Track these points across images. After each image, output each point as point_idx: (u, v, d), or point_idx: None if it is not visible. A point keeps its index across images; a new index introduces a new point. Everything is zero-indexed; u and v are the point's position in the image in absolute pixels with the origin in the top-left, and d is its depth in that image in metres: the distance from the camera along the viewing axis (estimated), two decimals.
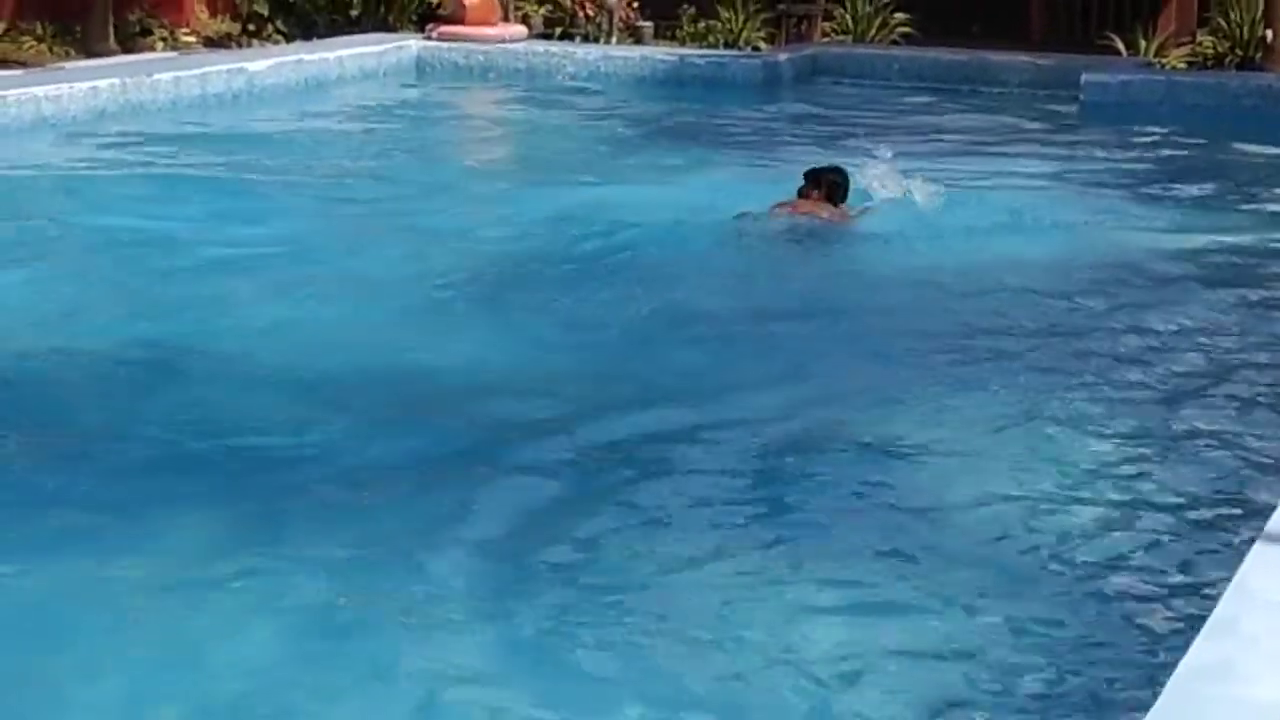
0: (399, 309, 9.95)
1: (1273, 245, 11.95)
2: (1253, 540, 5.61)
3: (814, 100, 18.58)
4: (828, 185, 12.03)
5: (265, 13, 21.21)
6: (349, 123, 16.65)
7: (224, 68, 17.34)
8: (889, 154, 12.86)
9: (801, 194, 12.04)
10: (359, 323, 9.68)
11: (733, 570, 6.41)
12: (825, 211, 11.92)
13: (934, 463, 7.58)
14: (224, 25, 20.81)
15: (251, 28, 21.02)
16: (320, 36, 20.45)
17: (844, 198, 12.11)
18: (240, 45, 20.23)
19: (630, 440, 7.82)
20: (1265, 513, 5.97)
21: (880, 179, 12.42)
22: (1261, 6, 20.26)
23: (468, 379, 8.73)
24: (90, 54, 18.18)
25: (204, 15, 20.80)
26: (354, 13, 21.59)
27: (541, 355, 9.21)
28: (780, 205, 11.95)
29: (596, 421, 7.99)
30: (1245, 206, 13.42)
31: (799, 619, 6.04)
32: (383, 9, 21.76)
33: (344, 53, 18.83)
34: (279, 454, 7.55)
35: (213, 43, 20.25)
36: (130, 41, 19.21)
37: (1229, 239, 12.04)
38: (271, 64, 17.83)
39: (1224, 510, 7.10)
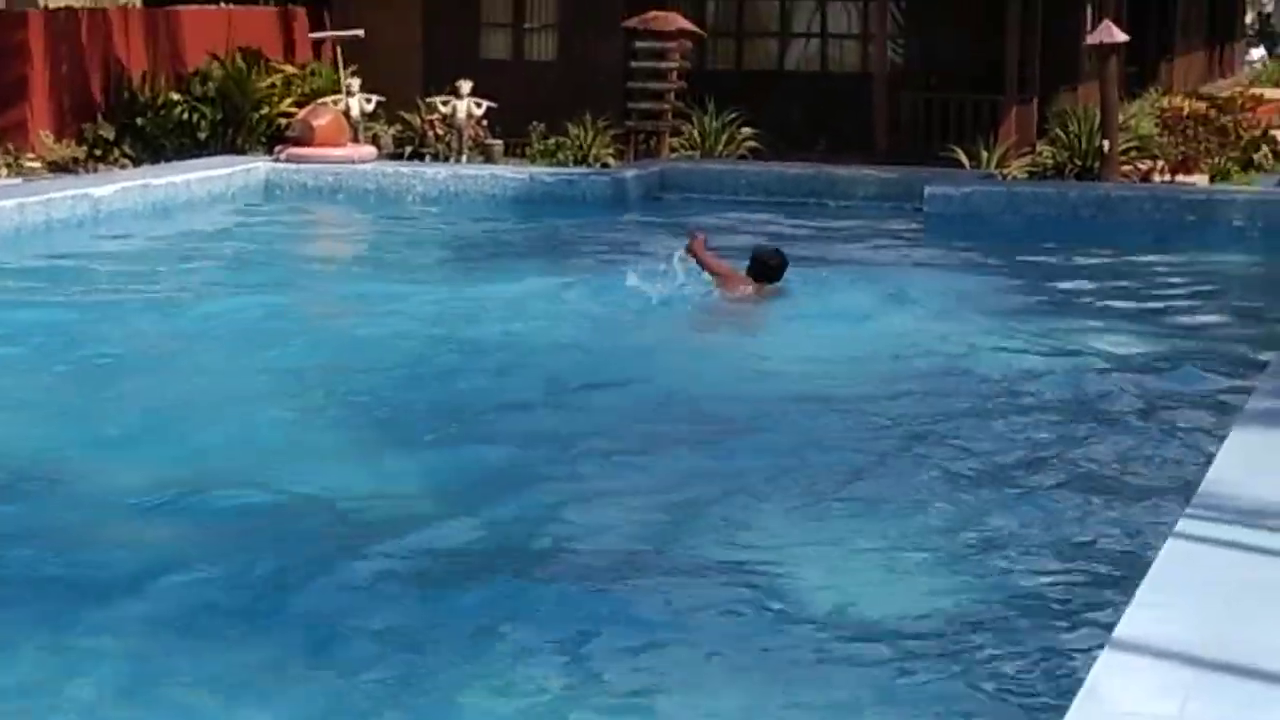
0: (245, 425, 9.89)
1: (1106, 349, 12.16)
2: (1102, 645, 5.66)
3: (662, 214, 18.71)
4: (759, 266, 13.48)
5: (111, 137, 21.10)
6: (197, 245, 16.54)
7: (69, 193, 17.16)
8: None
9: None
10: (210, 439, 9.59)
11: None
12: (744, 287, 13.34)
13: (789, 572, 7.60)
14: (69, 150, 20.67)
15: (98, 152, 20.91)
16: (168, 160, 20.35)
17: (773, 278, 13.48)
18: (86, 170, 20.09)
19: (473, 548, 7.81)
20: (1114, 616, 6.02)
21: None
22: (1098, 118, 20.72)
23: (321, 489, 8.67)
24: None
25: (49, 139, 20.65)
26: (202, 135, 21.54)
27: (389, 458, 9.19)
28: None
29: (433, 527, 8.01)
30: (1081, 311, 13.64)
31: None
32: (230, 132, 21.72)
33: (191, 176, 18.72)
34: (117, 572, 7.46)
35: (58, 167, 20.10)
36: None
37: (1065, 344, 12.25)
38: (117, 189, 17.68)
39: (1073, 611, 7.16)
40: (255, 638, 6.86)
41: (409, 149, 22.06)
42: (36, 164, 20.09)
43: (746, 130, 22.41)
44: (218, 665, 6.54)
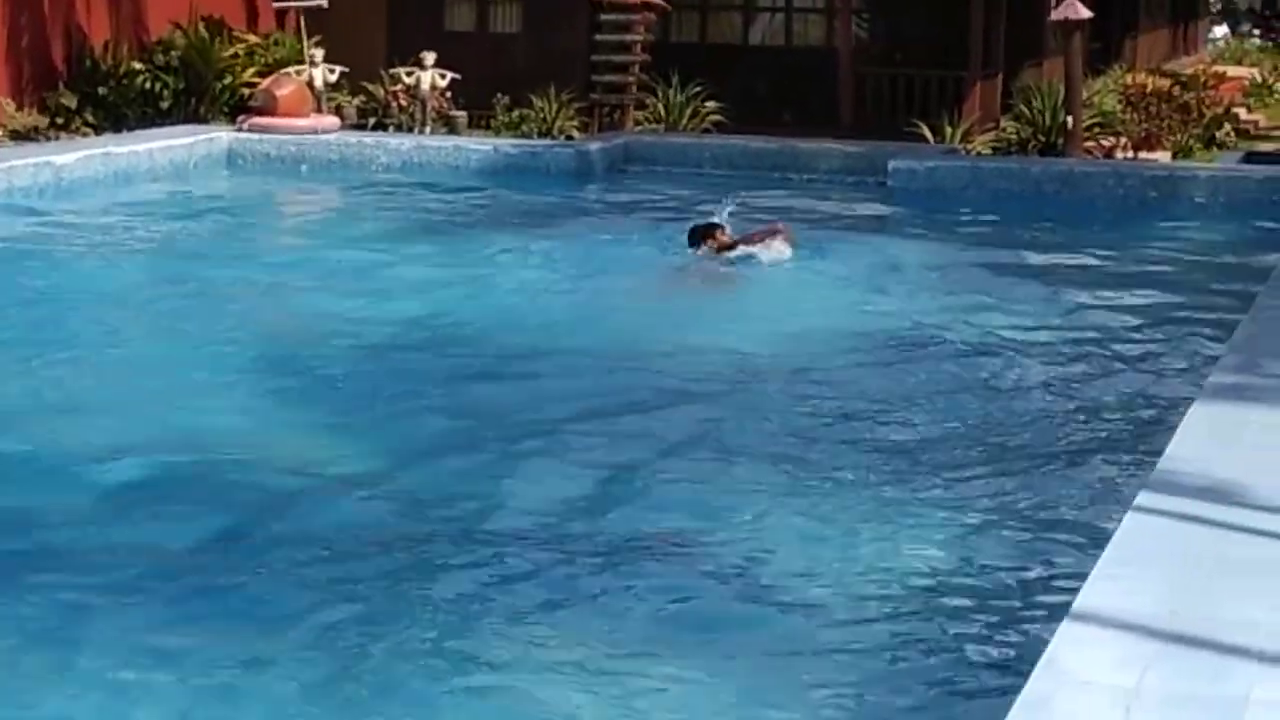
0: (207, 397, 9.86)
1: (1066, 323, 12.21)
2: (1061, 618, 5.69)
3: (626, 187, 18.71)
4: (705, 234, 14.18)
5: (73, 105, 20.97)
6: (157, 214, 16.47)
7: (30, 161, 17.07)
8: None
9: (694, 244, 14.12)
10: (175, 406, 9.56)
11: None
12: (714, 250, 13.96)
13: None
14: (31, 118, 20.53)
15: (60, 121, 20.78)
16: (130, 129, 20.24)
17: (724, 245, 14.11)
18: (48, 139, 19.98)
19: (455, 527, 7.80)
20: (1073, 588, 6.05)
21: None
22: (1062, 94, 20.76)
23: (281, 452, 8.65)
24: None
25: (10, 108, 20.52)
26: (164, 104, 21.42)
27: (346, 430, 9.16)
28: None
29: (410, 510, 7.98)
30: (1042, 286, 13.67)
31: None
32: (193, 101, 21.61)
33: (153, 145, 18.63)
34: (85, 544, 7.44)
35: (20, 136, 19.97)
36: None
37: (1025, 318, 12.28)
38: (79, 157, 17.59)
39: (1032, 582, 7.19)
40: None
41: (372, 120, 21.99)
42: None
43: (711, 104, 22.40)
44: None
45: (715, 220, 14.48)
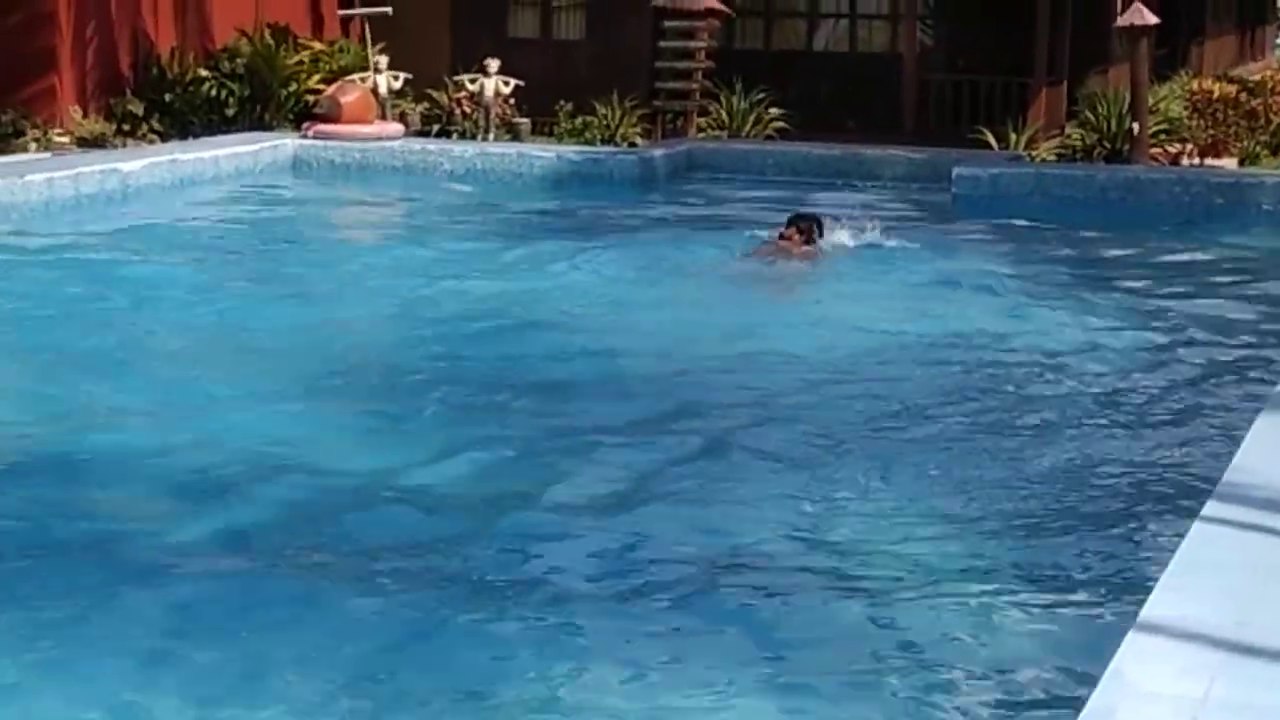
0: (277, 401, 9.90)
1: (1133, 333, 12.13)
2: (1127, 629, 5.65)
3: (689, 194, 18.71)
4: (804, 227, 14.57)
5: (139, 112, 21.13)
6: (223, 222, 16.57)
7: (98, 168, 17.20)
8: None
9: (782, 236, 14.49)
10: (245, 414, 9.61)
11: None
12: (798, 250, 14.25)
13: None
14: (98, 125, 20.70)
15: (126, 127, 20.94)
16: (196, 136, 20.38)
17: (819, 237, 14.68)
18: (115, 145, 20.12)
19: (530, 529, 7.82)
20: (1140, 599, 6.01)
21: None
22: (1127, 100, 20.66)
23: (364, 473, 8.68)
24: None
25: (78, 115, 20.69)
26: (230, 111, 21.55)
27: (429, 449, 9.18)
28: (762, 246, 14.51)
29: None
30: (1109, 294, 13.60)
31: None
32: (259, 108, 21.73)
33: (219, 152, 18.75)
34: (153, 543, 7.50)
35: (87, 143, 20.13)
36: (3, 142, 19.07)
37: (1092, 327, 12.21)
38: (145, 164, 17.71)
39: (1099, 592, 7.15)
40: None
41: (436, 127, 22.06)
42: (65, 139, 20.11)
43: (774, 110, 22.38)
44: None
45: (818, 214, 15.12)
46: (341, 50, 22.98)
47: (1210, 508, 6.81)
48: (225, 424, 9.38)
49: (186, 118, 21.29)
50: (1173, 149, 21.05)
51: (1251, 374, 10.76)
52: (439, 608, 6.88)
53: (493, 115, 21.56)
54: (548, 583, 7.19)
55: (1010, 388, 10.50)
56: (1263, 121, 21.56)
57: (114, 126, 20.86)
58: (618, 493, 8.35)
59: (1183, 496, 8.15)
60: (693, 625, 6.82)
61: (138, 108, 21.17)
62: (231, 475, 8.45)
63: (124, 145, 20.13)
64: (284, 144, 19.77)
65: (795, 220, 14.78)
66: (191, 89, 21.62)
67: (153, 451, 8.84)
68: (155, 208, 16.88)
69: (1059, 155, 21.02)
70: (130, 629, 6.59)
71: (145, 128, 21.04)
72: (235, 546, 7.54)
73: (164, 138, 20.70)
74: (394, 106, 21.46)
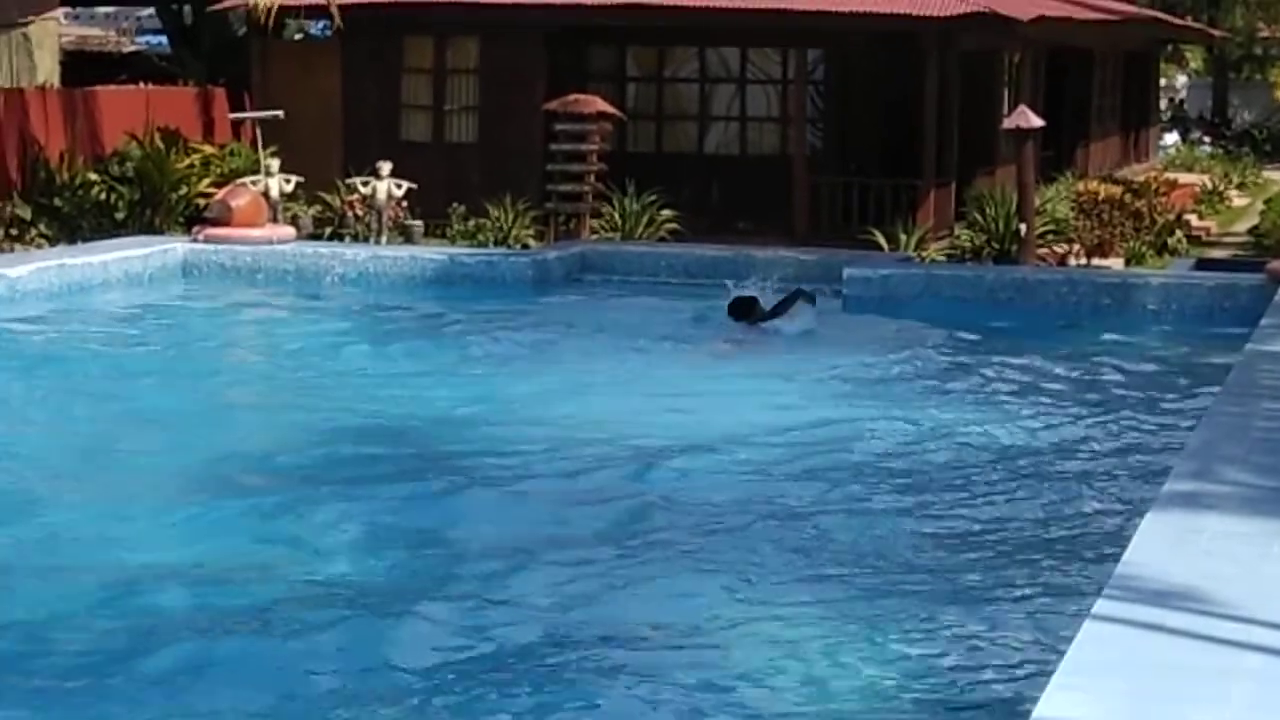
0: (154, 510, 9.79)
1: (1023, 431, 12.20)
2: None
3: (583, 296, 18.71)
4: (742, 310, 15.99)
5: (27, 217, 20.97)
6: (112, 327, 16.39)
7: None
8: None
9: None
10: (121, 524, 9.49)
11: None
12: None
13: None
14: None
15: (14, 232, 20.77)
16: (85, 240, 20.22)
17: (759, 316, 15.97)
18: (1, 250, 19.94)
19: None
20: (1033, 696, 6.01)
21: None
22: (1015, 201, 20.93)
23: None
24: None
25: None
26: (119, 215, 21.44)
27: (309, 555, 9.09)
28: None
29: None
30: (997, 393, 13.69)
31: None
32: (148, 212, 21.63)
33: (108, 256, 18.56)
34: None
35: None
36: None
37: (980, 426, 12.27)
38: (33, 269, 17.51)
39: (989, 692, 7.15)
40: None
41: (329, 230, 22.03)
42: None
43: (666, 212, 22.51)
44: None
45: (749, 294, 16.37)
46: (233, 154, 22.94)
47: (1101, 605, 6.83)
48: (115, 529, 9.27)
49: (75, 222, 21.16)
50: (1060, 249, 21.33)
51: (1140, 473, 10.84)
52: None
53: (385, 218, 21.55)
54: None
55: (889, 489, 10.48)
56: (1147, 222, 21.92)
57: (2, 231, 20.68)
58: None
59: (1073, 595, 8.18)
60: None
61: (26, 212, 21.02)
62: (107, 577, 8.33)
63: (11, 250, 19.95)
64: (174, 248, 19.61)
65: (740, 304, 16.02)
66: (81, 193, 21.50)
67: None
68: (42, 313, 16.67)
69: (949, 256, 21.25)
70: None
71: (33, 232, 20.88)
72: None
73: (52, 242, 20.55)
74: (286, 210, 21.39)
